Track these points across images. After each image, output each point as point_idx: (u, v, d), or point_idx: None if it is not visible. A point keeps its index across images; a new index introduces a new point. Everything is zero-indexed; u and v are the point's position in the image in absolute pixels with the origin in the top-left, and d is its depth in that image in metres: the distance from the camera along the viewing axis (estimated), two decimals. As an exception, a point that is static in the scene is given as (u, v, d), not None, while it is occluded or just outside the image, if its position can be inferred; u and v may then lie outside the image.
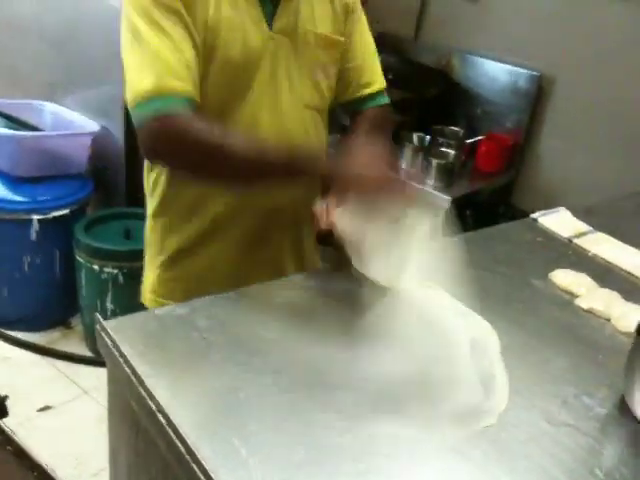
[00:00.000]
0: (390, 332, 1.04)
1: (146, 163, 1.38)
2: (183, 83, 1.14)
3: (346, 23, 1.39)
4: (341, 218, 1.12)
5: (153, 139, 1.16)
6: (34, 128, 2.72)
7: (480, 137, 2.83)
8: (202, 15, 1.18)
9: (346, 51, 1.40)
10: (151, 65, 1.14)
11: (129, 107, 1.17)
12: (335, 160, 1.19)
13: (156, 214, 1.40)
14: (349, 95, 1.45)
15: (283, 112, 1.31)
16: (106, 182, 2.85)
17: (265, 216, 1.35)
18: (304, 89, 1.33)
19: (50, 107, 2.85)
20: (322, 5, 1.34)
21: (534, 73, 2.73)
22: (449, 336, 1.07)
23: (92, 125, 2.72)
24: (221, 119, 1.24)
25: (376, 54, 1.48)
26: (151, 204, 1.40)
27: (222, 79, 1.23)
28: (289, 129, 1.32)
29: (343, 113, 1.53)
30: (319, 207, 1.17)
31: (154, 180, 1.37)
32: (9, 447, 1.92)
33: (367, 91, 1.46)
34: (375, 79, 1.47)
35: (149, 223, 1.43)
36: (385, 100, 1.49)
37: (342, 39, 1.38)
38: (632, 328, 1.00)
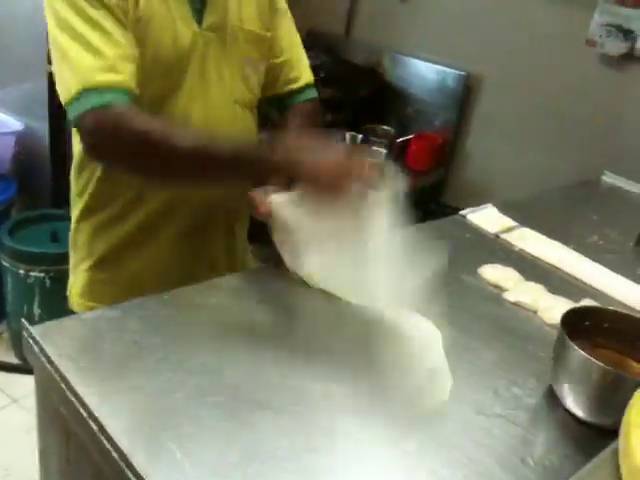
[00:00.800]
0: (328, 330, 1.04)
1: (75, 163, 1.35)
2: (120, 76, 1.11)
3: (271, 18, 1.39)
4: (280, 206, 1.09)
5: (91, 134, 1.12)
6: (-46, 128, 2.61)
7: (410, 136, 2.88)
8: (132, 10, 1.16)
9: (272, 46, 1.40)
10: (84, 59, 1.10)
11: (64, 104, 1.13)
12: (286, 150, 1.08)
13: (84, 216, 1.36)
14: (277, 89, 1.45)
15: (214, 107, 1.30)
16: (31, 183, 2.76)
17: (199, 214, 1.34)
18: (234, 85, 1.33)
19: (-30, 105, 2.74)
20: (248, 1, 1.34)
21: (461, 73, 2.79)
22: (394, 333, 1.08)
23: (15, 124, 2.63)
24: (152, 115, 1.22)
25: (303, 49, 1.49)
26: (78, 205, 1.37)
27: (152, 75, 1.21)
28: (219, 125, 1.31)
29: (271, 108, 1.52)
30: (258, 193, 1.14)
31: (85, 181, 1.33)
32: None
33: (295, 85, 1.46)
34: (302, 73, 1.47)
35: (75, 226, 1.40)
36: (314, 94, 1.50)
37: (269, 34, 1.38)
38: (558, 320, 1.03)
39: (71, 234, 1.42)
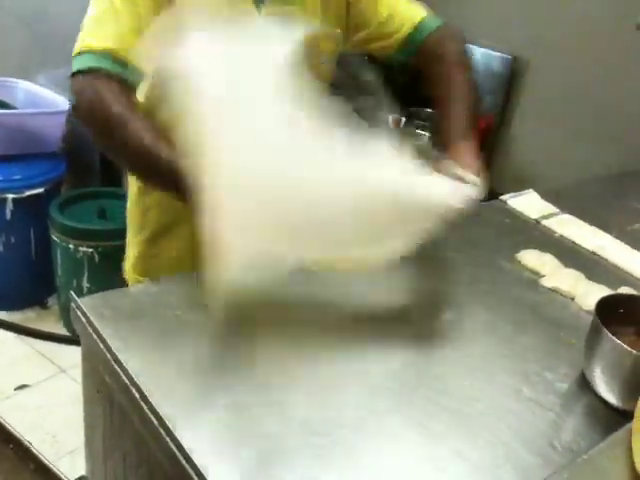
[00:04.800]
0: None
1: None
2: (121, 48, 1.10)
3: None
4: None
5: (77, 90, 1.14)
6: (7, 106, 2.68)
7: (454, 119, 2.85)
8: None
9: (367, 10, 1.35)
10: (111, 27, 1.12)
11: (74, 53, 1.15)
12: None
13: (140, 192, 1.39)
14: (398, 42, 1.40)
15: None
16: (80, 161, 2.83)
17: None
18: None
19: (23, 85, 2.81)
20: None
21: (507, 56, 2.75)
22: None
23: (66, 103, 2.69)
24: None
25: None
26: (134, 183, 1.40)
27: None
28: None
29: (402, 58, 1.45)
30: None
31: None
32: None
33: (411, 25, 1.40)
34: (413, 12, 1.41)
35: (132, 199, 1.43)
36: (437, 22, 1.43)
37: (338, 31, 1.33)
38: (594, 306, 1.03)
39: (128, 209, 1.46)
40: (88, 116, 1.12)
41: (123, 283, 1.47)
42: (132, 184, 1.42)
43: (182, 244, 1.38)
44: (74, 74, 1.13)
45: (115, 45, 1.10)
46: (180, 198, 1.02)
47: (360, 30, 1.39)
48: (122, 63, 1.10)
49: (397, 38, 1.41)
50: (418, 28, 1.41)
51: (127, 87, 1.11)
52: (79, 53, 1.13)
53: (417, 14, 1.41)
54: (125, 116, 1.06)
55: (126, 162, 1.16)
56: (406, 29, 1.40)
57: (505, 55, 2.76)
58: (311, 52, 1.26)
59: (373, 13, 1.38)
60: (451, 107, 1.32)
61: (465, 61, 1.39)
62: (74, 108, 1.17)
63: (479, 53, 2.85)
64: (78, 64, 1.12)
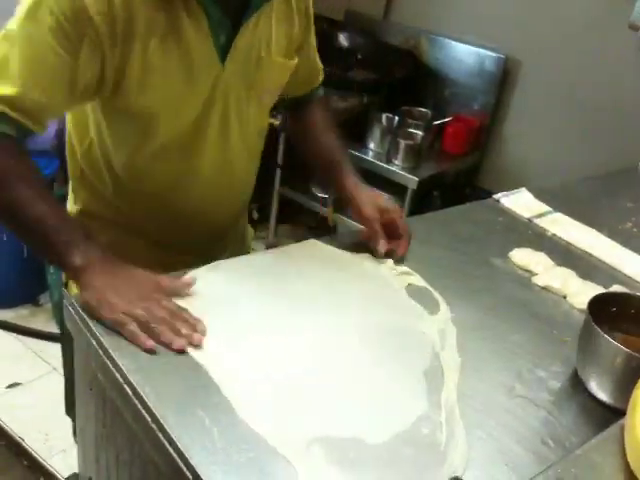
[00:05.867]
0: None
1: None
2: (17, 114, 1.00)
3: (305, 32, 1.33)
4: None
5: None
6: None
7: (447, 119, 2.86)
8: (137, 59, 1.05)
9: (302, 59, 1.34)
10: (20, 77, 1.00)
11: None
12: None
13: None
14: (296, 92, 1.43)
15: (232, 141, 1.25)
16: (73, 159, 2.82)
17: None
18: (253, 117, 1.27)
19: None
20: (281, 24, 1.24)
21: (500, 56, 2.76)
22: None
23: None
24: (161, 160, 1.20)
25: (315, 49, 1.44)
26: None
27: (167, 128, 1.16)
28: (234, 154, 1.27)
29: (281, 106, 1.48)
30: None
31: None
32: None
33: (313, 86, 1.47)
34: (320, 75, 1.48)
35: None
36: (322, 92, 1.51)
37: (294, 62, 1.31)
38: (586, 304, 1.04)
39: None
40: None
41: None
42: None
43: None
44: None
45: (7, 106, 0.99)
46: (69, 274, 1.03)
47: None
48: (16, 119, 1.01)
49: (300, 88, 1.43)
50: (313, 91, 1.48)
51: (21, 147, 1.04)
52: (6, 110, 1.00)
53: (320, 75, 1.47)
54: (16, 175, 1.01)
55: (10, 225, 1.06)
56: (309, 87, 1.46)
57: (498, 54, 2.77)
58: (272, 78, 1.27)
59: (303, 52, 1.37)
60: (329, 154, 1.41)
61: (331, 125, 1.47)
62: None
63: (472, 53, 2.85)
64: None
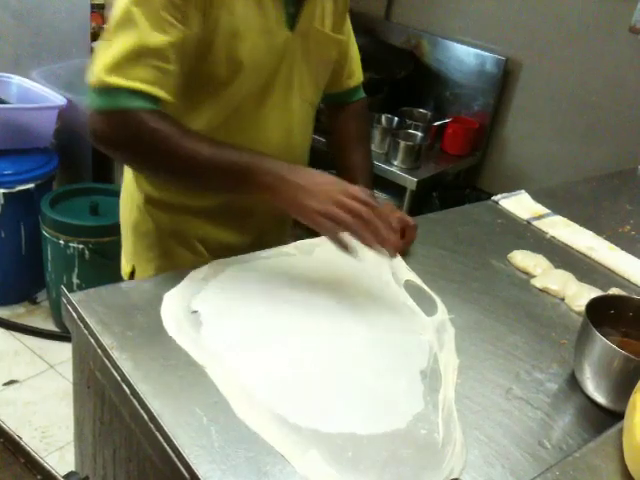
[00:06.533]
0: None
1: None
2: (156, 88, 1.07)
3: (343, 20, 1.40)
4: None
5: (111, 129, 1.08)
6: (0, 101, 2.68)
7: (447, 120, 2.86)
8: (225, 21, 1.13)
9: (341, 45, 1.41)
10: (131, 59, 1.06)
11: (91, 84, 1.08)
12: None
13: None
14: (335, 87, 1.47)
15: (292, 110, 1.31)
16: (72, 157, 2.82)
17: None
18: (309, 87, 1.34)
19: (16, 80, 2.80)
20: (329, 3, 1.32)
21: (501, 57, 2.76)
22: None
23: (59, 99, 2.69)
24: (234, 126, 1.24)
25: (356, 46, 1.50)
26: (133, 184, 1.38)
27: (244, 86, 1.21)
28: (293, 126, 1.32)
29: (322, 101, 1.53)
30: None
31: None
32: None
33: (351, 83, 1.50)
34: (357, 71, 1.51)
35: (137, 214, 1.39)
36: (363, 94, 1.54)
37: (344, 38, 1.40)
38: (584, 307, 1.04)
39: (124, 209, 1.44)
40: (143, 148, 1.09)
41: (113, 279, 1.46)
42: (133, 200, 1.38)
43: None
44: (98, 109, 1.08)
45: (147, 87, 1.06)
46: (274, 198, 1.07)
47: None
48: (155, 99, 1.08)
49: (339, 84, 1.48)
50: (354, 89, 1.51)
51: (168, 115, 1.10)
52: (105, 89, 1.06)
53: (360, 73, 1.52)
54: (184, 135, 1.08)
55: (201, 178, 1.12)
56: (354, 82, 1.50)
57: (498, 56, 2.77)
58: (325, 53, 1.33)
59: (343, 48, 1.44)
60: (354, 168, 1.47)
61: (366, 137, 1.57)
62: (107, 140, 1.10)
63: (473, 54, 2.85)
64: (106, 102, 1.07)
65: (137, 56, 1.06)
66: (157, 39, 1.06)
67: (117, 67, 1.05)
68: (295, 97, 1.31)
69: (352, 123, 1.52)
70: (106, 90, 1.06)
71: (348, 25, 1.45)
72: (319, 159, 1.55)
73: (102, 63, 1.06)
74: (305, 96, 1.33)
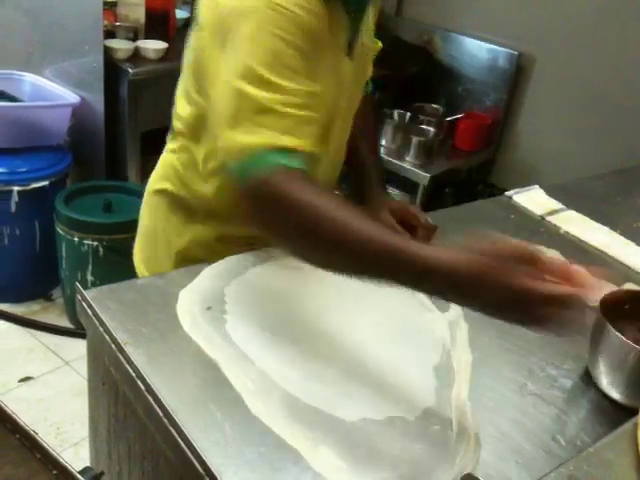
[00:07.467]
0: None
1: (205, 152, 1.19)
2: (301, 140, 0.93)
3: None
4: None
5: (256, 199, 0.92)
6: (13, 99, 2.69)
7: (460, 115, 2.85)
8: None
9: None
10: (311, 127, 0.96)
11: (230, 164, 0.94)
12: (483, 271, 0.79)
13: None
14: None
15: (345, 131, 1.28)
16: (85, 154, 2.83)
17: None
18: (357, 103, 1.30)
19: (29, 78, 2.82)
20: (372, 14, 1.25)
21: (514, 52, 2.75)
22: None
23: (72, 96, 2.70)
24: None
25: None
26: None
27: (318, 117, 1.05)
28: (341, 145, 1.29)
29: None
30: None
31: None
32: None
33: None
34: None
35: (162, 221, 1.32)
36: (371, 88, 1.51)
37: (380, 44, 1.37)
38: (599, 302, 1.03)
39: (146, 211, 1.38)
40: (279, 218, 0.91)
41: (127, 276, 1.46)
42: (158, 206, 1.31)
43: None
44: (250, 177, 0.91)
45: (314, 148, 0.95)
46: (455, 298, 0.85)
47: None
48: (304, 157, 0.94)
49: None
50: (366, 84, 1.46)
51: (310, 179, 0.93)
52: (263, 151, 0.91)
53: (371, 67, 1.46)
54: (338, 209, 0.87)
55: (356, 264, 0.89)
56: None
57: (511, 51, 2.76)
58: (366, 65, 1.30)
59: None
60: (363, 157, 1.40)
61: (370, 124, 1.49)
62: (253, 214, 0.95)
63: (485, 49, 2.84)
64: (270, 162, 0.90)
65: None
66: None
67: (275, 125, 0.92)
68: (348, 119, 1.27)
69: (358, 111, 1.43)
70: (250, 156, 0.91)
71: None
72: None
73: None
74: (355, 111, 1.29)
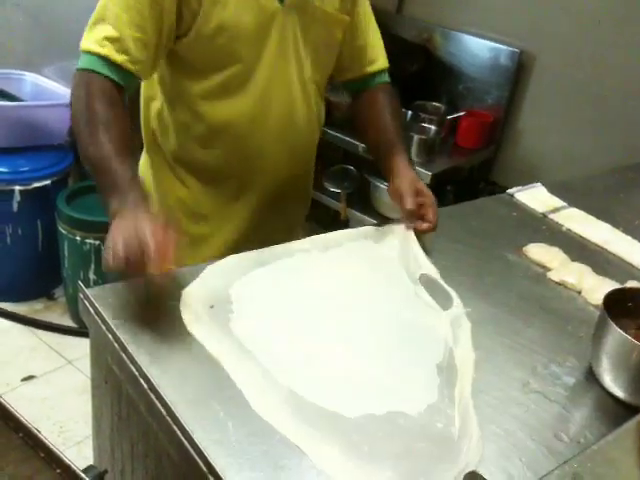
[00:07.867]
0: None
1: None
2: (129, 60, 1.18)
3: (353, 1, 1.39)
4: None
5: (73, 86, 1.21)
6: (14, 98, 2.69)
7: (461, 113, 2.85)
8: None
9: (351, 29, 1.41)
10: (109, 28, 1.18)
11: (81, 46, 1.22)
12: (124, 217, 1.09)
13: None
14: (354, 73, 1.47)
15: (291, 84, 1.34)
16: (87, 154, 2.83)
17: (281, 183, 1.42)
18: (308, 64, 1.35)
19: (30, 77, 2.82)
20: None
21: (515, 50, 2.74)
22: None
23: (73, 96, 2.69)
24: (231, 92, 1.29)
25: (379, 33, 1.49)
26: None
27: (233, 49, 1.25)
28: (295, 101, 1.35)
29: (345, 91, 1.55)
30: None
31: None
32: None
33: (372, 69, 1.48)
34: (380, 57, 1.49)
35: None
36: (387, 79, 1.51)
37: (347, 18, 1.38)
38: (601, 300, 1.03)
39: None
40: (73, 110, 1.20)
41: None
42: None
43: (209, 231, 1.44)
44: (78, 69, 1.21)
45: (110, 52, 1.17)
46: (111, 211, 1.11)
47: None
48: (117, 67, 1.17)
49: (356, 69, 1.47)
50: (377, 73, 1.49)
51: (117, 90, 1.19)
52: (83, 51, 1.20)
53: (384, 59, 1.49)
54: (101, 118, 1.14)
55: (86, 163, 1.17)
56: (375, 67, 1.48)
57: (512, 49, 2.75)
58: (326, 31, 1.35)
59: (356, 31, 1.43)
60: (384, 129, 1.44)
61: (393, 103, 1.50)
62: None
63: (486, 47, 2.83)
64: (79, 62, 1.21)
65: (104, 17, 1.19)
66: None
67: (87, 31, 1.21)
68: (292, 72, 1.33)
69: (377, 94, 1.48)
70: (82, 52, 1.21)
71: (365, 10, 1.44)
72: (332, 154, 1.54)
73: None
74: (304, 73, 1.35)
